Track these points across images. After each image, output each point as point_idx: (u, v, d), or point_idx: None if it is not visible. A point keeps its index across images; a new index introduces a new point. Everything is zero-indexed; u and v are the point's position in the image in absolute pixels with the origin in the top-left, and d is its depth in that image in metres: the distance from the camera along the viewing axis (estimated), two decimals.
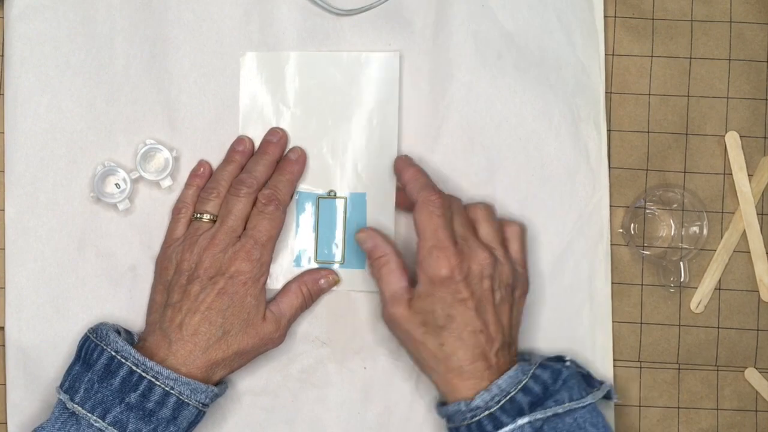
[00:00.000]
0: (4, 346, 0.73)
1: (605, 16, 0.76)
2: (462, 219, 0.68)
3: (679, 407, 0.76)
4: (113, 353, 0.65)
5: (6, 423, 0.73)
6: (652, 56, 0.76)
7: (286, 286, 0.73)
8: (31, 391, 0.73)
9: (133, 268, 0.74)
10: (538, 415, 0.63)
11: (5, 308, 0.73)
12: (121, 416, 0.64)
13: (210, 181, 0.72)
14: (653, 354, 0.76)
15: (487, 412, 0.64)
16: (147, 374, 0.64)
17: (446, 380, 0.67)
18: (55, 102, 0.74)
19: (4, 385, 0.73)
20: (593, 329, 0.75)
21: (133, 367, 0.64)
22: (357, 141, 0.74)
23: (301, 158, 0.73)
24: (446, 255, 0.66)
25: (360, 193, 0.74)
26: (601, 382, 0.69)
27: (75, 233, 0.74)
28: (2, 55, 0.75)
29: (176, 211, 0.72)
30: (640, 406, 0.76)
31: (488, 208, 0.71)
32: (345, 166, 0.75)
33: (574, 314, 0.75)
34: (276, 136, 0.73)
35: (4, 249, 0.74)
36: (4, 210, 0.74)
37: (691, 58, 0.77)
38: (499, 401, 0.64)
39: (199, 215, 0.70)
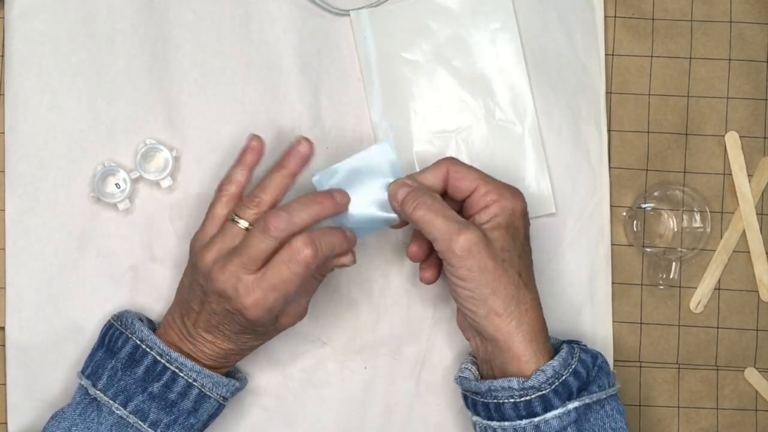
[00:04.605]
0: (4, 346, 0.73)
1: (605, 16, 0.76)
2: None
3: (679, 407, 0.76)
4: (138, 342, 0.65)
5: (6, 423, 0.73)
6: (652, 56, 0.77)
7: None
8: (31, 391, 0.73)
9: (133, 268, 0.74)
10: (586, 399, 0.62)
11: (5, 308, 0.73)
12: (143, 405, 0.64)
13: (257, 187, 0.65)
14: (653, 354, 0.76)
15: (539, 393, 0.61)
16: (171, 365, 0.64)
17: (508, 341, 0.62)
18: (56, 102, 0.74)
19: (4, 385, 0.73)
20: (593, 329, 0.75)
21: (158, 357, 0.64)
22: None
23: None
24: (519, 193, 0.65)
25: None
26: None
27: (75, 233, 0.73)
28: (2, 55, 0.75)
29: (219, 190, 0.66)
30: (640, 406, 0.76)
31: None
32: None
33: (574, 314, 0.75)
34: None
35: (4, 249, 0.73)
36: (4, 210, 0.74)
37: (691, 58, 0.77)
38: (552, 383, 0.61)
39: (235, 218, 0.64)
